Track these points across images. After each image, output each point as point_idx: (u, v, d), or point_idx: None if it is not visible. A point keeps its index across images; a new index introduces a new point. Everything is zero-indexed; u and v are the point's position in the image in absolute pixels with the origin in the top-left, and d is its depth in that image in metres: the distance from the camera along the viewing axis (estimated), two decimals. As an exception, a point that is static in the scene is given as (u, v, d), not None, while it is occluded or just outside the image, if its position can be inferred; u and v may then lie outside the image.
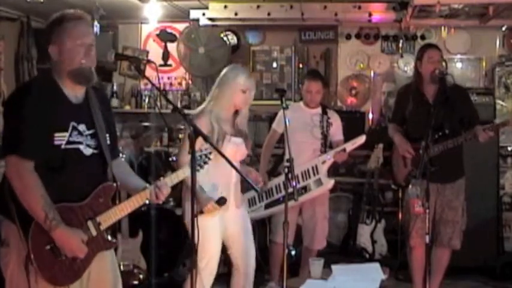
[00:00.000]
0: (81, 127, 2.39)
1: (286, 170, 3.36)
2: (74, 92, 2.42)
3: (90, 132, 2.42)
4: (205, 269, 3.39)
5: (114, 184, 2.45)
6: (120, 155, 2.85)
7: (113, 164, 2.55)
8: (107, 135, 2.48)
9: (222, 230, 3.42)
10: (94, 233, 2.39)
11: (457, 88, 4.13)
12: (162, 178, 2.56)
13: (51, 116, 2.31)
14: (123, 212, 2.45)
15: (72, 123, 2.35)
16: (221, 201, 3.22)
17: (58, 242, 2.30)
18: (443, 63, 4.11)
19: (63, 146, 2.32)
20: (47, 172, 2.31)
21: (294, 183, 3.42)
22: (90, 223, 2.38)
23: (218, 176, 3.33)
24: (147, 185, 2.53)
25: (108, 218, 2.42)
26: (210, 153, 2.62)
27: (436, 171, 3.69)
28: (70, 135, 2.34)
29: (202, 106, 3.47)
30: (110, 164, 2.46)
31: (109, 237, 2.47)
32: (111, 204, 2.43)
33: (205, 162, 2.58)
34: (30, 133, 2.28)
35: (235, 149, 3.38)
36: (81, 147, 2.38)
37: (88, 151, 2.40)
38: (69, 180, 2.35)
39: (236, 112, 3.47)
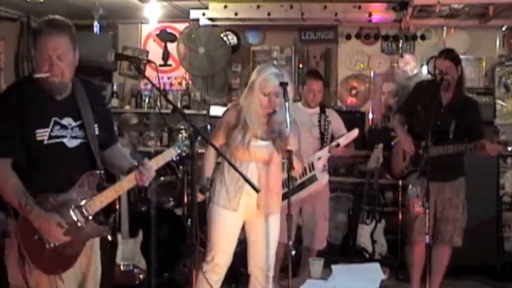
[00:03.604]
0: (66, 121, 2.48)
1: (286, 161, 3.32)
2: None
3: (77, 123, 2.51)
4: (209, 263, 3.38)
5: (98, 172, 2.50)
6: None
7: (109, 150, 2.67)
8: (96, 125, 2.55)
9: (245, 229, 3.44)
10: (81, 221, 2.44)
11: (470, 100, 4.20)
12: (147, 160, 2.58)
13: (32, 114, 2.41)
14: (109, 198, 2.50)
15: (54, 119, 2.44)
16: (202, 189, 3.28)
17: (35, 226, 2.37)
18: (458, 67, 4.05)
19: (45, 142, 2.41)
20: (35, 166, 2.42)
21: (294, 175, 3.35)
22: (76, 211, 2.43)
23: (236, 175, 3.26)
24: (135, 165, 2.56)
25: (93, 205, 2.46)
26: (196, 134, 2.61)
27: (437, 170, 3.72)
28: (52, 131, 2.43)
29: (240, 100, 3.42)
30: (96, 152, 2.52)
31: (97, 224, 2.50)
32: (96, 192, 2.47)
33: (191, 143, 2.57)
34: (6, 132, 2.40)
35: (256, 151, 3.33)
36: (65, 140, 2.46)
37: (73, 143, 2.48)
38: (57, 173, 2.43)
39: (274, 112, 3.36)
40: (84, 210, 2.44)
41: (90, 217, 2.45)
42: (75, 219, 2.43)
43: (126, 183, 2.51)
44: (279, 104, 3.32)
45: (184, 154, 2.61)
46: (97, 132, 2.55)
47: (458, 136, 3.96)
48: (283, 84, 3.22)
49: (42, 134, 2.41)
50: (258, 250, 3.46)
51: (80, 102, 2.52)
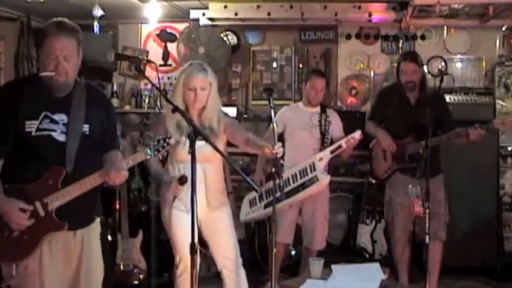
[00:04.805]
0: (58, 116, 2.58)
1: (273, 169, 3.33)
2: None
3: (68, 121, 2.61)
4: (180, 266, 3.40)
5: (64, 168, 2.53)
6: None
7: (106, 155, 2.74)
8: (87, 125, 2.63)
9: (200, 229, 3.42)
10: (42, 213, 2.51)
11: (437, 94, 4.33)
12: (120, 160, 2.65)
13: (24, 107, 2.53)
14: (73, 194, 2.53)
15: (45, 113, 2.55)
16: (182, 180, 3.21)
17: None
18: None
19: (33, 133, 2.52)
20: (22, 155, 2.54)
21: (281, 183, 3.37)
22: (37, 204, 2.51)
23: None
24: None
25: (55, 200, 2.52)
26: (170, 137, 2.64)
27: (416, 167, 3.84)
28: (40, 123, 2.54)
29: (162, 111, 3.42)
30: (72, 149, 2.55)
31: (56, 219, 2.53)
32: (60, 187, 2.52)
33: (163, 147, 2.62)
34: None
35: (197, 151, 3.29)
36: (54, 134, 2.55)
37: (62, 137, 2.56)
38: (43, 162, 2.53)
39: (203, 108, 3.41)
40: (46, 203, 2.50)
41: (52, 211, 2.52)
42: (39, 212, 2.50)
43: (92, 179, 2.55)
44: (206, 99, 3.38)
45: (160, 157, 2.64)
46: (87, 133, 2.62)
47: (435, 130, 4.04)
48: (267, 90, 3.21)
49: (31, 126, 2.52)
50: (219, 242, 3.49)
51: (74, 100, 2.62)
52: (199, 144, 3.26)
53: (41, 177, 2.51)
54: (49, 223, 2.52)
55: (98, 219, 2.80)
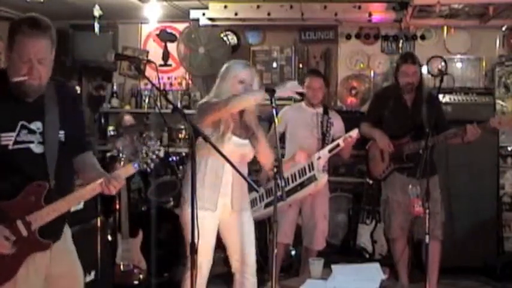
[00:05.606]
0: (35, 125, 2.34)
1: (274, 169, 3.33)
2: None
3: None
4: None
5: (47, 183, 2.32)
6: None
7: (80, 157, 2.53)
8: (62, 132, 2.40)
9: (219, 230, 3.40)
10: (24, 233, 2.28)
11: (431, 94, 4.37)
12: (116, 170, 2.46)
13: None
14: (58, 211, 2.32)
15: (21, 123, 2.31)
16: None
17: None
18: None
19: (10, 147, 2.27)
20: (0, 171, 2.28)
21: (283, 183, 3.35)
22: (19, 223, 2.27)
23: (213, 175, 3.29)
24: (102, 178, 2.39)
25: (39, 218, 2.29)
26: (160, 149, 2.49)
27: (414, 167, 3.90)
28: (18, 135, 2.29)
29: (204, 101, 3.39)
30: (52, 161, 2.34)
31: (40, 239, 2.33)
32: (44, 204, 2.30)
33: (152, 160, 2.45)
34: None
35: (235, 149, 3.27)
36: (32, 145, 2.32)
37: (39, 149, 2.34)
38: (23, 177, 2.29)
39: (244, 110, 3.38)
40: (28, 222, 2.28)
41: (35, 231, 2.30)
42: (21, 232, 2.28)
43: (86, 192, 2.37)
44: None
45: (148, 170, 2.47)
46: (62, 139, 2.40)
47: (432, 130, 4.08)
48: (269, 91, 3.19)
49: (8, 139, 2.27)
50: (240, 247, 3.44)
51: (47, 104, 2.37)
52: (240, 142, 3.30)
53: (22, 193, 2.27)
54: (32, 243, 2.29)
55: (67, 226, 2.55)
